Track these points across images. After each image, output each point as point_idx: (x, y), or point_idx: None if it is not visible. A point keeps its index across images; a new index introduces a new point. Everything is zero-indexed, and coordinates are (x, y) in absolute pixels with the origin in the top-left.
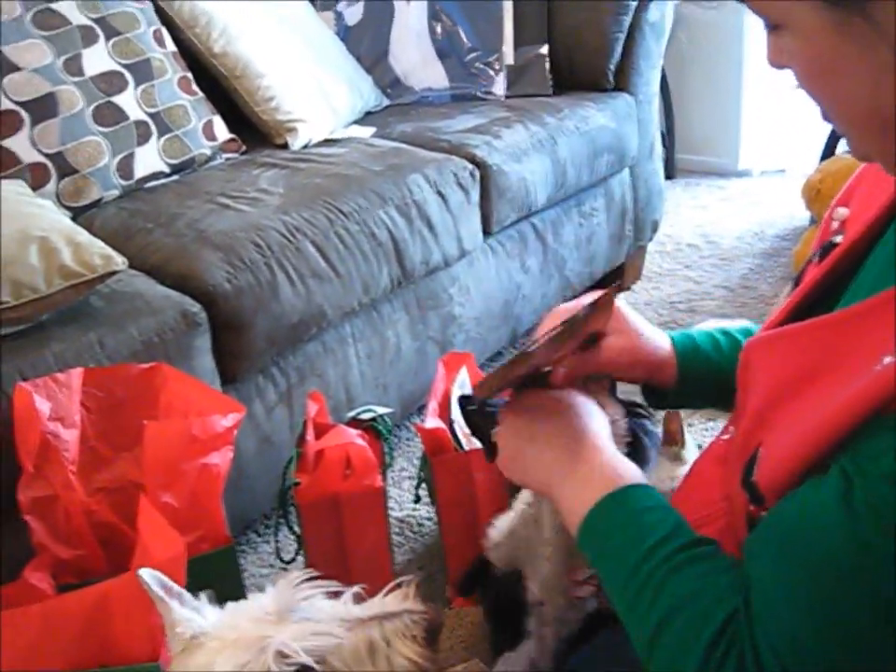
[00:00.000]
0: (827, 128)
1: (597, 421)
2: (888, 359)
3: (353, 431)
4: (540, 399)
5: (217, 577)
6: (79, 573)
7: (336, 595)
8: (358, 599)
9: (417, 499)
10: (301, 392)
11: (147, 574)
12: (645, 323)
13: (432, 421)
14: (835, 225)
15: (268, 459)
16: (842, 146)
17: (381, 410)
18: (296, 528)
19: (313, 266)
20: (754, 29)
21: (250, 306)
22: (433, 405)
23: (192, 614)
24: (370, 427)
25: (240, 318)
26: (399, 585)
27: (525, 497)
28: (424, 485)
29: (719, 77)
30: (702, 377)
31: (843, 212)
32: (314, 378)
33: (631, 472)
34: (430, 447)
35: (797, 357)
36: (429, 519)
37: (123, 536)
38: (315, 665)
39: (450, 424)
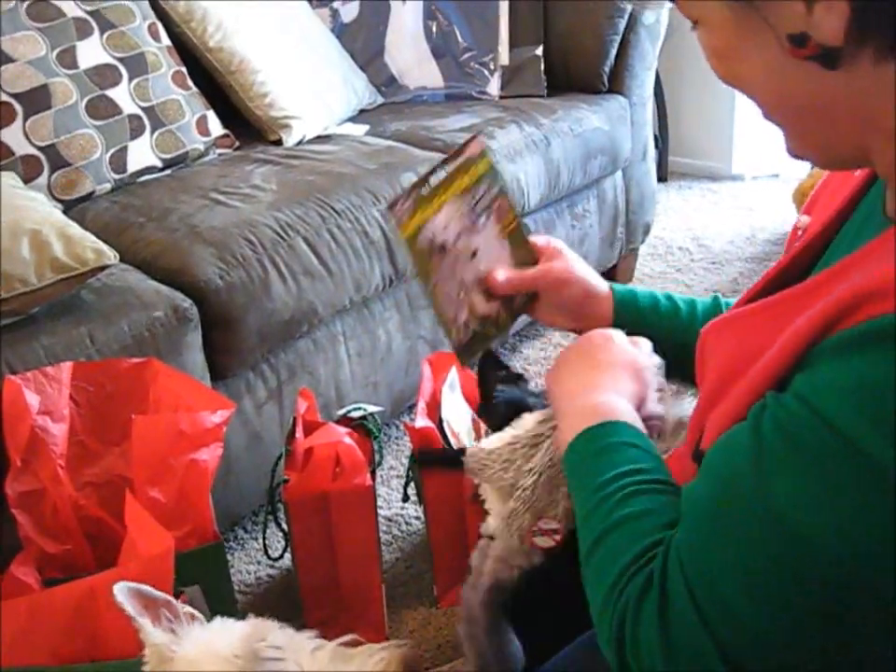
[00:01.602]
0: None
1: (642, 387)
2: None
3: (342, 429)
4: (620, 340)
5: (205, 573)
6: (66, 568)
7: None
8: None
9: (406, 498)
10: (291, 389)
11: (119, 592)
12: (581, 261)
13: (422, 420)
14: (800, 233)
15: (257, 456)
16: None
17: (371, 408)
18: (284, 526)
19: (305, 263)
20: None
21: (241, 302)
22: (422, 405)
23: (163, 637)
24: (359, 426)
25: (231, 314)
26: (388, 647)
27: (524, 423)
28: (412, 484)
29: (713, 80)
30: (635, 327)
31: (805, 220)
32: (304, 375)
33: (634, 416)
34: (419, 446)
35: (746, 338)
36: (417, 518)
37: (111, 530)
38: None
39: (439, 424)
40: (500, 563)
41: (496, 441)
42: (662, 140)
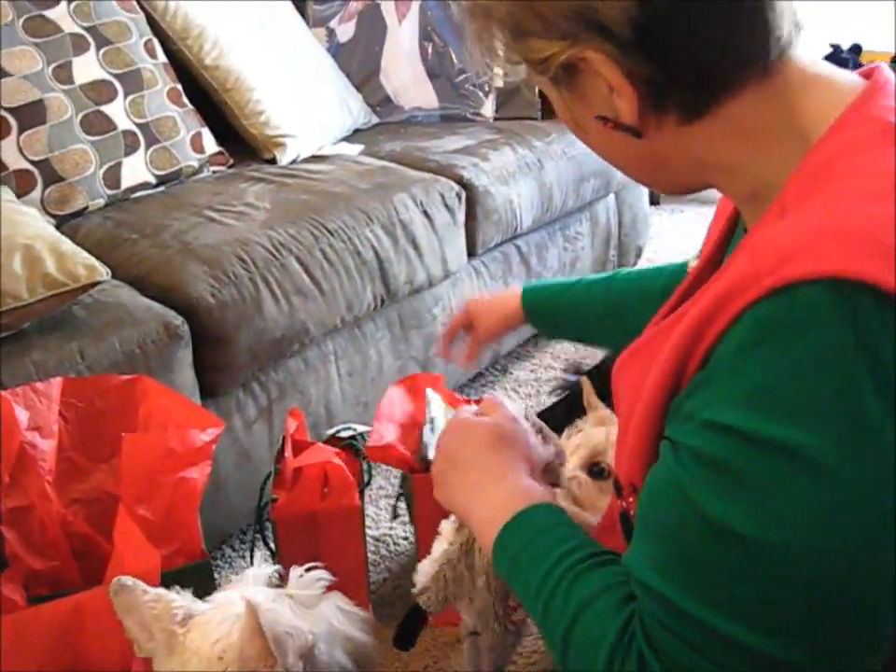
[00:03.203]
0: None
1: (520, 448)
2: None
3: (331, 449)
4: (471, 424)
5: (192, 591)
6: (52, 584)
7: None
8: None
9: (395, 515)
10: (281, 408)
11: (126, 578)
12: (494, 295)
13: (377, 438)
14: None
15: (246, 475)
16: None
17: (360, 428)
18: (272, 545)
19: (297, 282)
20: None
21: (233, 320)
22: (380, 426)
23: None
24: (348, 445)
25: (222, 332)
26: None
27: (445, 536)
28: (401, 504)
29: None
30: (546, 321)
31: (695, 262)
32: (295, 394)
33: (540, 493)
34: (383, 462)
35: (641, 365)
36: (405, 538)
37: (98, 548)
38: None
39: (420, 445)
40: (495, 651)
41: (430, 565)
42: None
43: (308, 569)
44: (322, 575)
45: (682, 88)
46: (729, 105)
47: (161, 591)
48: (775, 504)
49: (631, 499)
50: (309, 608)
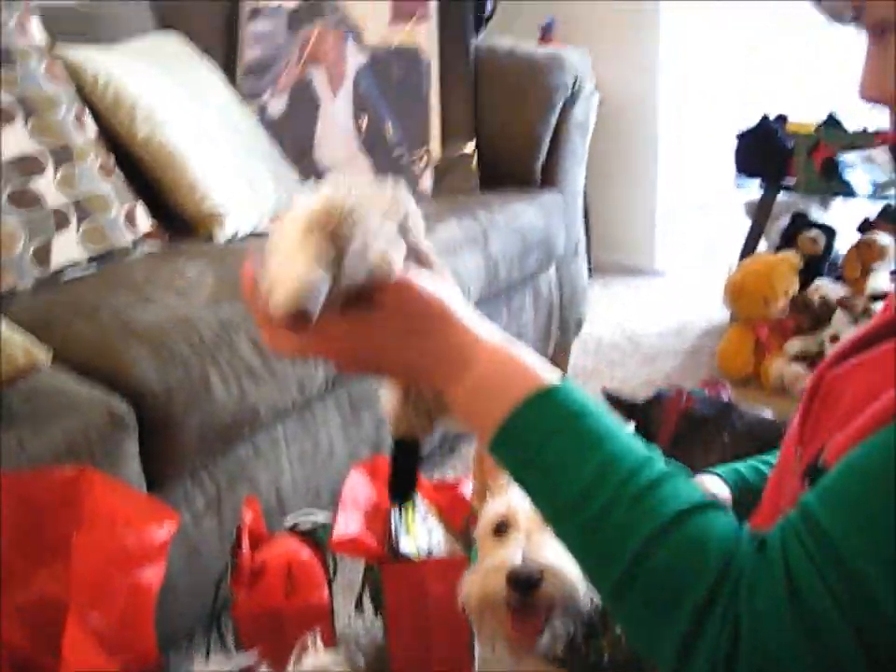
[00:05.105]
0: (743, 230)
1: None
2: None
3: (294, 541)
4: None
5: None
6: None
7: None
8: None
9: (359, 607)
10: (231, 498)
11: None
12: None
13: (342, 530)
14: None
15: (196, 572)
16: (762, 245)
17: (321, 517)
18: (232, 647)
19: (247, 363)
20: (667, 132)
21: (181, 404)
22: (344, 515)
23: None
24: (309, 537)
25: (170, 417)
26: None
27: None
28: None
29: (635, 176)
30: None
31: None
32: (244, 483)
33: (545, 367)
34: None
35: (874, 378)
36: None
37: (41, 665)
38: None
39: (389, 534)
40: None
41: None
42: (586, 235)
43: None
44: None
45: None
46: None
47: None
48: None
49: None
50: None
